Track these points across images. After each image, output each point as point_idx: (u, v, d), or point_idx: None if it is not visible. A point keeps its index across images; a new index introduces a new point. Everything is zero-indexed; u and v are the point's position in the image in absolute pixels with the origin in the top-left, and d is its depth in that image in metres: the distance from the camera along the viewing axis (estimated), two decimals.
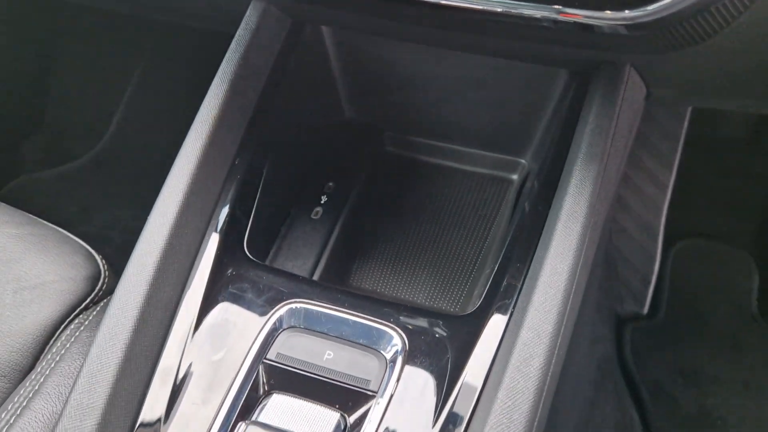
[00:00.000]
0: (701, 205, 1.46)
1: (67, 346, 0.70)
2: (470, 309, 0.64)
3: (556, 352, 0.57)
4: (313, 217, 0.84)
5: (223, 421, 0.58)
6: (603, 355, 1.15)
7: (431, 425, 0.57)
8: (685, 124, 1.45)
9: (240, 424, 0.55)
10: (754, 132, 1.49)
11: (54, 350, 0.70)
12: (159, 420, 0.58)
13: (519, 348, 0.57)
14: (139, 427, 0.58)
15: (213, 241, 0.68)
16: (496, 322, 0.61)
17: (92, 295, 0.76)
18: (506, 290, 0.63)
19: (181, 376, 0.61)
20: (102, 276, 0.78)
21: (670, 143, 1.45)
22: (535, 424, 0.54)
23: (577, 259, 0.62)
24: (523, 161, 0.97)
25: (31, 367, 0.69)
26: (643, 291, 1.38)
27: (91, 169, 1.50)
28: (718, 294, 1.39)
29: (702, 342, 1.33)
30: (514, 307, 0.62)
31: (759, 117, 1.47)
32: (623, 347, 1.31)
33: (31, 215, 0.83)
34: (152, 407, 0.59)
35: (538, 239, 0.65)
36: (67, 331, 0.72)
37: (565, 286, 0.60)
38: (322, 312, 0.64)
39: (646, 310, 1.38)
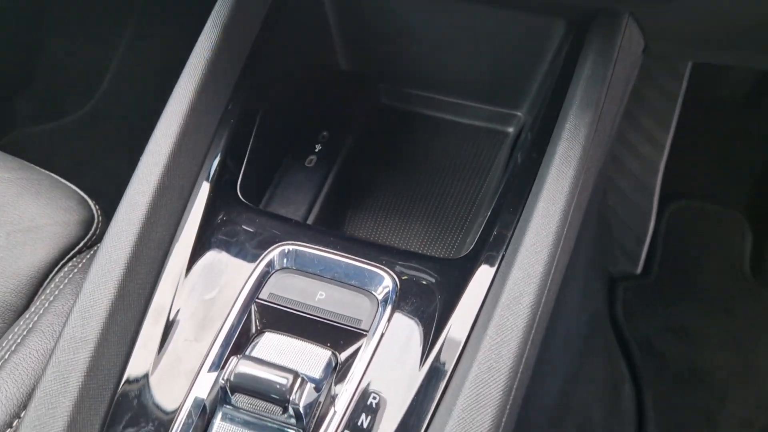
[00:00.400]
0: (697, 166, 1.46)
1: (61, 287, 0.70)
2: (462, 254, 0.64)
3: (545, 292, 0.58)
4: (306, 165, 0.84)
5: (215, 356, 0.58)
6: (594, 311, 1.16)
7: (421, 362, 0.58)
8: (684, 83, 1.44)
9: (232, 358, 0.55)
10: (754, 93, 1.48)
11: (48, 291, 0.70)
12: (152, 355, 0.59)
13: (509, 287, 0.57)
14: (132, 361, 0.58)
15: (205, 184, 0.68)
16: (487, 265, 0.62)
17: (85, 239, 0.76)
18: (498, 234, 0.64)
19: (173, 313, 0.61)
20: (95, 221, 0.78)
21: (668, 103, 1.44)
22: (523, 360, 0.54)
23: (569, 202, 0.62)
24: (519, 114, 0.96)
25: (26, 308, 0.69)
26: (636, 250, 1.39)
27: (85, 124, 1.49)
28: (711, 254, 1.40)
29: (693, 301, 1.34)
30: (505, 250, 0.62)
31: (758, 78, 1.46)
32: (615, 305, 1.32)
33: (23, 161, 0.83)
34: (145, 343, 0.60)
35: (532, 185, 0.65)
36: (61, 274, 0.72)
37: (557, 229, 0.60)
38: (314, 254, 0.64)
39: (639, 269, 1.38)
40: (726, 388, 1.22)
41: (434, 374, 0.56)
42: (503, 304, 0.57)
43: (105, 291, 0.59)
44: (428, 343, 0.58)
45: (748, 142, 1.46)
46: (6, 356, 0.63)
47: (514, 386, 0.53)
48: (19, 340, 0.64)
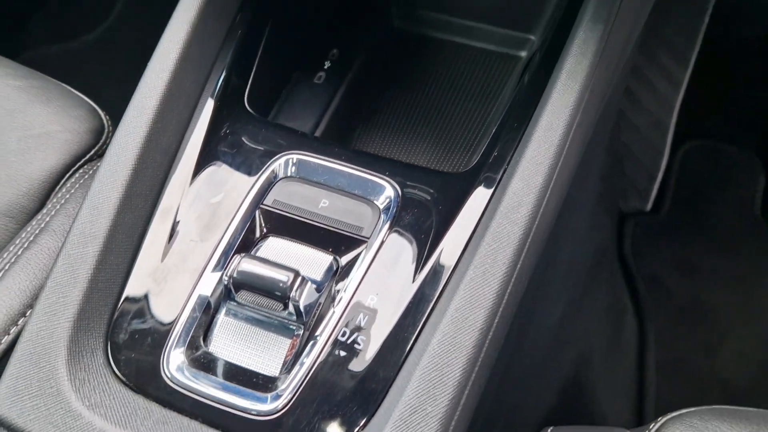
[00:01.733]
0: (714, 106, 1.44)
1: (72, 191, 0.72)
2: (465, 169, 0.65)
3: (543, 204, 0.58)
4: (315, 81, 0.83)
5: (220, 257, 0.60)
6: (600, 244, 1.17)
7: (418, 268, 0.59)
8: (706, 19, 1.40)
9: (236, 257, 0.57)
10: None
11: (59, 195, 0.72)
12: (159, 254, 0.61)
13: (508, 196, 0.58)
14: (139, 259, 0.60)
15: (213, 94, 0.69)
16: (489, 178, 0.62)
17: (96, 147, 0.77)
18: (501, 150, 0.64)
19: (179, 215, 0.63)
20: (106, 130, 0.79)
21: (688, 40, 1.40)
22: (517, 268, 0.55)
23: (573, 117, 0.62)
24: (532, 38, 0.95)
25: (38, 210, 0.71)
26: (648, 187, 1.38)
27: (99, 47, 1.48)
28: (722, 194, 1.39)
29: (702, 239, 1.34)
30: (507, 164, 0.62)
31: None
32: (623, 241, 1.33)
33: (34, 70, 0.83)
34: (152, 242, 0.61)
35: (538, 102, 0.64)
36: (72, 179, 0.73)
37: (559, 142, 0.60)
38: (319, 164, 0.65)
39: (649, 206, 1.38)
40: (727, 323, 1.23)
41: (431, 279, 0.58)
42: (501, 212, 0.57)
43: (113, 190, 0.60)
44: (427, 251, 0.60)
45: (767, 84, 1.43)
46: (19, 252, 0.65)
47: (508, 290, 0.55)
48: (31, 238, 0.66)
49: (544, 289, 0.83)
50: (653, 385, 1.18)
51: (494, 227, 0.57)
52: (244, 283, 0.56)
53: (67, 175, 0.74)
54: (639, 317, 1.24)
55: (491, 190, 0.61)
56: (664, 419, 0.60)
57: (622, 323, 1.21)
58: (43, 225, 0.68)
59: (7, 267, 0.64)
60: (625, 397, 1.17)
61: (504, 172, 0.62)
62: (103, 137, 0.78)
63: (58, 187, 0.73)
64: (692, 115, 1.38)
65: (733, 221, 1.36)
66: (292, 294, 0.55)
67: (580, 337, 1.07)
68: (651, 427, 0.60)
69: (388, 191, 0.63)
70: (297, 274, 0.55)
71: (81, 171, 0.75)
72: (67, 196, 0.71)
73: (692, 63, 1.39)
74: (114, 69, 1.43)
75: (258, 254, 0.60)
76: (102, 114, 0.80)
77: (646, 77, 1.40)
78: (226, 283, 0.57)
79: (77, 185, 0.73)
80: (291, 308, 0.56)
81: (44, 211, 0.70)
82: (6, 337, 0.59)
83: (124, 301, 0.59)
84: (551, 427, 0.63)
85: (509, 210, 0.57)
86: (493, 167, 0.63)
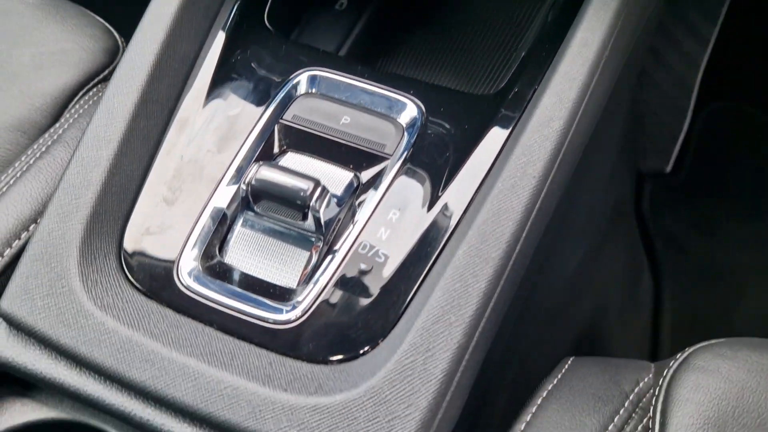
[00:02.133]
0: (741, 66, 1.40)
1: (86, 107, 0.70)
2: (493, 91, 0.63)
3: (576, 121, 0.56)
4: (337, 8, 0.81)
5: (237, 168, 0.58)
6: (619, 198, 1.14)
7: (442, 187, 0.57)
8: None
9: (254, 165, 0.55)
10: None
11: (73, 111, 0.70)
12: (174, 162, 0.59)
13: (539, 111, 0.56)
14: (155, 167, 0.58)
15: (233, 8, 0.66)
16: (518, 97, 0.60)
17: (110, 67, 0.75)
18: (531, 71, 0.61)
19: (197, 126, 0.61)
20: (120, 50, 0.76)
21: None
22: (548, 183, 0.53)
23: (610, 34, 0.59)
24: None
25: (51, 126, 0.69)
26: (669, 147, 1.35)
27: None
28: (745, 156, 1.36)
29: (723, 201, 1.31)
30: (538, 84, 0.60)
31: None
32: (641, 200, 1.30)
33: None
34: (168, 151, 0.59)
35: (572, 22, 0.62)
36: (86, 97, 0.72)
37: (595, 58, 0.58)
38: (341, 81, 0.63)
39: (669, 167, 1.35)
40: (745, 284, 1.21)
41: (457, 194, 0.56)
42: (532, 126, 0.55)
43: (128, 95, 0.58)
44: (453, 167, 0.57)
45: None
46: (31, 162, 0.63)
47: (537, 204, 0.52)
48: (43, 149, 0.65)
49: (564, 233, 0.81)
50: (668, 344, 1.17)
51: (524, 141, 0.54)
52: (262, 191, 0.54)
53: (81, 92, 0.72)
54: (655, 276, 1.22)
55: (521, 110, 0.59)
56: (692, 349, 0.58)
57: (639, 281, 1.19)
58: (55, 137, 0.66)
59: (18, 175, 0.62)
60: (639, 355, 1.15)
61: (534, 92, 0.60)
62: (118, 57, 0.76)
63: (71, 104, 0.71)
64: (718, 74, 1.34)
65: (755, 184, 1.33)
66: (313, 203, 0.53)
67: (598, 289, 1.05)
68: (678, 356, 0.58)
69: (412, 110, 0.61)
70: (318, 183, 0.54)
71: (95, 89, 0.73)
72: (81, 111, 0.70)
73: (721, 20, 1.35)
74: None
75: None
76: (116, 34, 0.78)
77: (671, 33, 1.36)
78: (243, 191, 0.55)
79: (90, 102, 0.71)
80: (311, 219, 0.54)
81: (57, 125, 0.68)
82: (17, 241, 0.58)
83: (138, 207, 0.57)
84: (572, 357, 0.61)
85: (540, 125, 0.55)
86: (522, 88, 0.60)
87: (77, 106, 0.71)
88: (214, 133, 0.60)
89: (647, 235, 1.26)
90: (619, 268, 1.13)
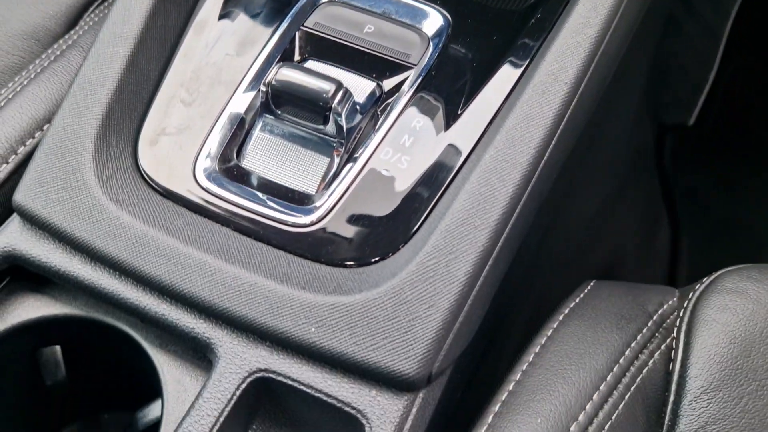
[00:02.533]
0: None
1: (101, 16, 0.68)
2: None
3: (612, 29, 0.53)
4: None
5: (256, 73, 0.56)
6: (640, 146, 1.12)
7: (467, 99, 0.55)
8: None
9: (275, 67, 0.53)
10: None
11: (88, 18, 0.68)
12: (192, 64, 0.57)
13: (573, 17, 0.53)
14: (172, 67, 0.57)
15: None
16: (549, 11, 0.57)
17: None
18: None
19: (216, 29, 0.59)
20: None
21: None
22: (581, 88, 0.51)
23: None
24: None
25: (66, 33, 0.68)
26: (692, 100, 1.32)
27: None
28: None
29: (745, 158, 1.28)
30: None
31: None
32: (662, 153, 1.27)
33: None
34: (185, 53, 0.58)
35: None
36: (102, 6, 0.70)
37: None
38: None
39: (692, 120, 1.32)
40: (764, 238, 1.19)
41: (484, 101, 0.54)
42: (566, 31, 0.53)
43: None
44: (480, 79, 0.55)
45: None
46: (45, 64, 0.62)
47: (570, 109, 0.50)
48: (58, 53, 0.63)
49: (587, 167, 0.79)
50: None
51: (557, 46, 0.52)
52: (283, 92, 0.52)
53: (97, 2, 0.70)
54: (674, 229, 1.20)
55: (552, 20, 0.56)
56: (719, 272, 0.56)
57: (657, 232, 1.17)
58: (70, 42, 0.64)
59: (32, 76, 0.61)
60: None
61: (566, 4, 0.57)
62: None
63: (87, 12, 0.69)
64: (749, 23, 1.30)
65: None
66: (335, 105, 0.51)
67: (614, 236, 1.03)
68: (705, 280, 0.56)
69: (438, 20, 0.59)
70: (340, 84, 0.52)
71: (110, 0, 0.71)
72: (96, 19, 0.68)
73: None
74: None
75: None
76: None
77: None
78: (263, 93, 0.53)
79: (106, 11, 0.69)
80: (332, 123, 0.52)
81: (71, 33, 0.67)
82: (31, 140, 0.57)
83: (154, 107, 0.55)
84: (594, 280, 0.59)
85: (574, 30, 0.53)
86: (553, 3, 0.58)
87: (93, 14, 0.69)
88: (233, 37, 0.58)
89: (667, 188, 1.24)
90: (637, 218, 1.11)
